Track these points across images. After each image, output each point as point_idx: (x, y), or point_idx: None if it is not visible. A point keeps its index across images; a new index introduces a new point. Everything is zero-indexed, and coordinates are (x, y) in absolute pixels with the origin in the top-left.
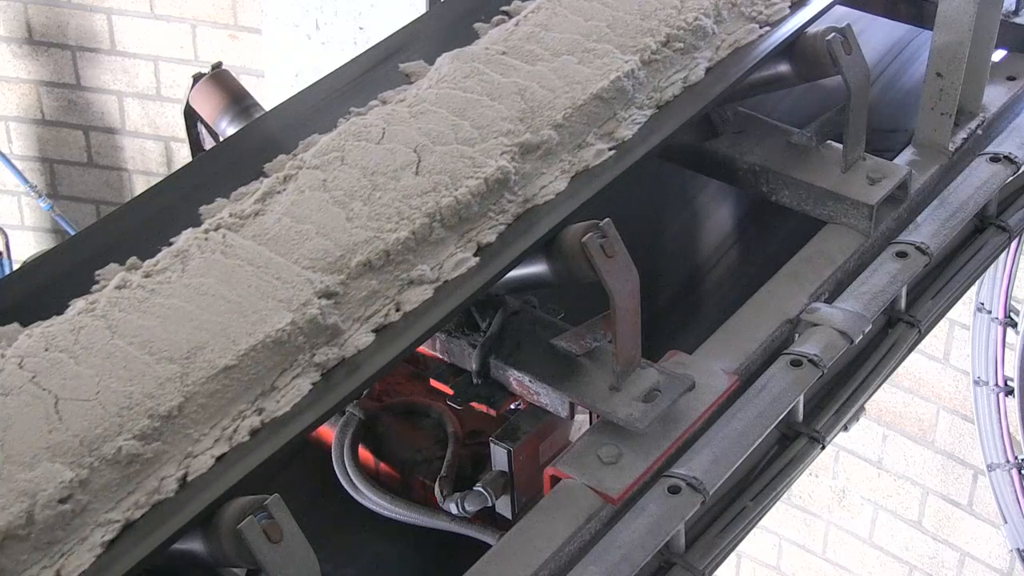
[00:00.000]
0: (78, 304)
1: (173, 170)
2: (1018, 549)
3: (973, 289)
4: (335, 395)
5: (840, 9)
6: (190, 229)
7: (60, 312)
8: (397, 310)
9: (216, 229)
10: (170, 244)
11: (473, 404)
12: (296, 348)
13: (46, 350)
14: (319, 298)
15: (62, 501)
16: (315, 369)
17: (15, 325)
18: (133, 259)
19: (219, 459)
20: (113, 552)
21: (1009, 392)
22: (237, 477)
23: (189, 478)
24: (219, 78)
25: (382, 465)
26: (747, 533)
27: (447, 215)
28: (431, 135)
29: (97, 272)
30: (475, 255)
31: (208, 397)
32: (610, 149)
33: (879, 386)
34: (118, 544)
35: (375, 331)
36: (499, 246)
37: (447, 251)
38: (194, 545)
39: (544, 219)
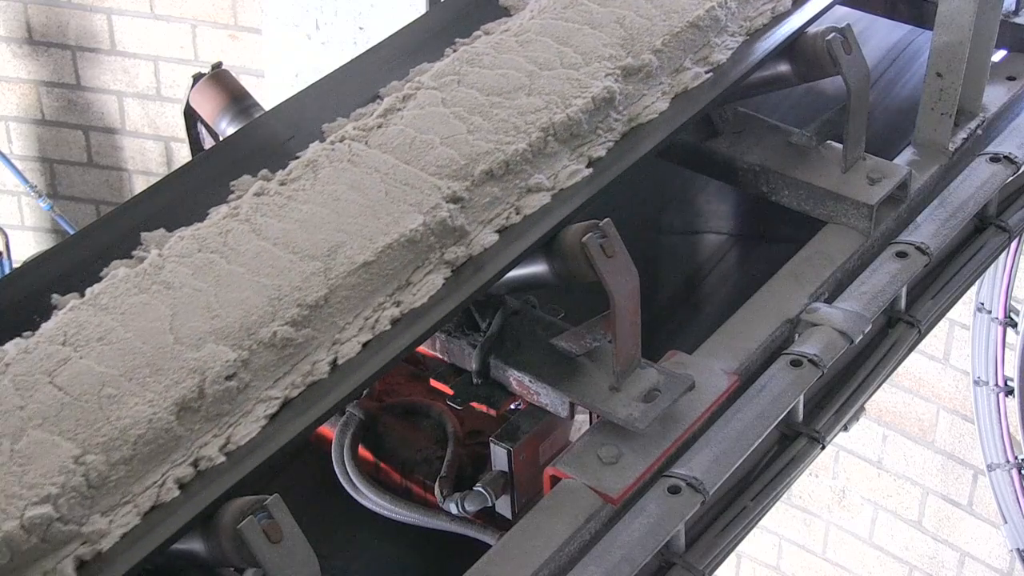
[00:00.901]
0: (221, 210)
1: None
2: (1018, 549)
3: (973, 289)
4: (466, 289)
5: (840, 9)
6: (316, 142)
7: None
8: (517, 213)
9: (342, 141)
10: (297, 157)
11: (473, 404)
12: (428, 247)
13: (199, 251)
14: (447, 202)
15: (228, 378)
16: (446, 266)
17: (162, 231)
18: (265, 171)
19: (365, 345)
20: (275, 425)
21: (1009, 392)
22: (382, 362)
23: (339, 362)
24: (219, 78)
25: (382, 465)
26: (747, 533)
27: (560, 130)
28: (538, 61)
29: (232, 182)
30: (587, 167)
31: (350, 290)
32: (706, 72)
33: (879, 386)
34: (279, 418)
35: (498, 232)
36: (609, 160)
37: (561, 163)
38: (194, 545)
39: (649, 137)
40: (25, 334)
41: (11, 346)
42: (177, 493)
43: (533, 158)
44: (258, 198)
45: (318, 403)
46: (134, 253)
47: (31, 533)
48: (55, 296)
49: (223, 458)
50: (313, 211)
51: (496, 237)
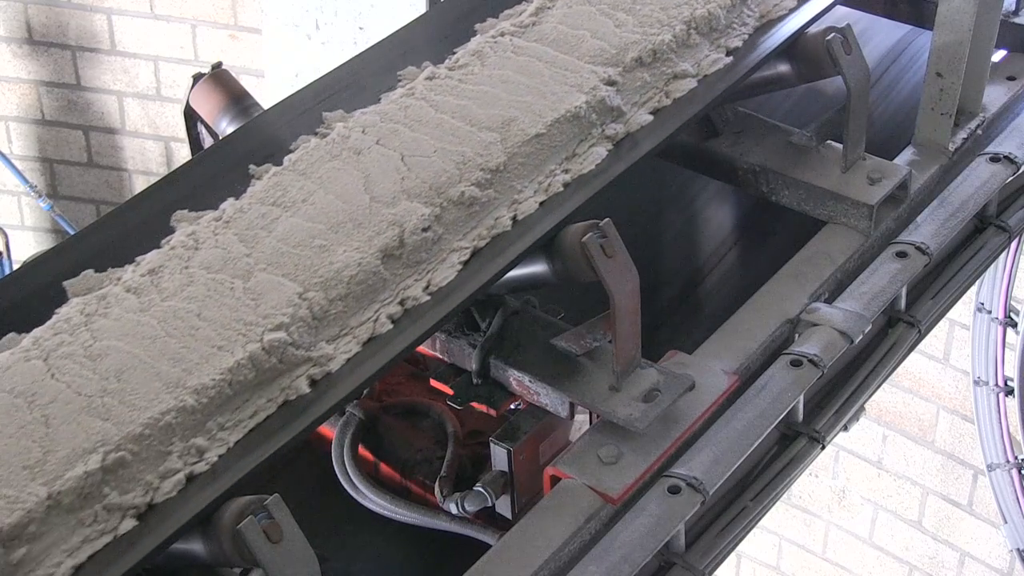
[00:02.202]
0: (396, 92)
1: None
2: (1018, 549)
3: (973, 289)
4: (626, 161)
5: (840, 9)
6: (478, 36)
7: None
8: (667, 97)
9: (501, 35)
10: (454, 54)
11: (473, 404)
12: (590, 123)
13: (382, 123)
14: (604, 84)
15: (424, 230)
16: (607, 140)
17: (340, 111)
18: (427, 63)
19: (541, 204)
20: (468, 270)
21: (1009, 392)
22: (558, 219)
23: (519, 218)
24: (219, 78)
25: (382, 465)
26: (747, 533)
27: (701, 23)
28: None
29: (399, 72)
30: (727, 56)
31: (525, 158)
32: None
33: (879, 386)
34: (471, 265)
35: (651, 113)
36: (745, 50)
37: (703, 53)
38: (194, 545)
39: (780, 28)
40: (229, 200)
41: (227, 205)
42: (390, 326)
43: (678, 48)
44: (431, 81)
45: (504, 252)
46: (318, 130)
47: (271, 354)
48: (252, 166)
49: (427, 297)
50: (484, 90)
51: (650, 117)
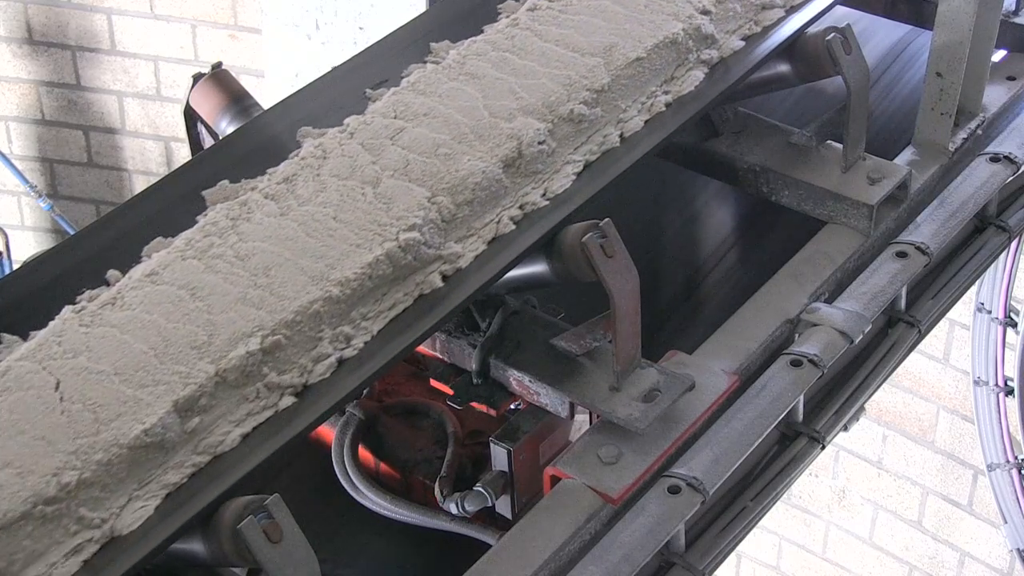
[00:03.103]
0: (500, 22)
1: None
2: (1018, 549)
3: (973, 289)
4: (721, 84)
5: (840, 9)
6: None
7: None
8: (756, 25)
9: None
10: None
11: (473, 404)
12: (686, 49)
13: (492, 51)
14: (699, 14)
15: (539, 143)
16: (703, 65)
17: (447, 42)
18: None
19: (646, 123)
20: (581, 180)
21: (1009, 392)
22: (660, 137)
23: (625, 135)
24: (219, 78)
25: (382, 465)
26: (747, 533)
27: None
28: None
29: (499, 5)
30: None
31: (628, 80)
32: None
33: (879, 386)
34: (583, 176)
35: (743, 39)
36: (803, 2)
37: None
38: (194, 545)
39: None
40: (351, 116)
41: (350, 120)
42: (512, 227)
43: None
44: (532, 12)
45: (613, 165)
46: (427, 59)
47: (406, 252)
48: (368, 90)
49: (546, 202)
50: (584, 20)
51: (742, 43)
